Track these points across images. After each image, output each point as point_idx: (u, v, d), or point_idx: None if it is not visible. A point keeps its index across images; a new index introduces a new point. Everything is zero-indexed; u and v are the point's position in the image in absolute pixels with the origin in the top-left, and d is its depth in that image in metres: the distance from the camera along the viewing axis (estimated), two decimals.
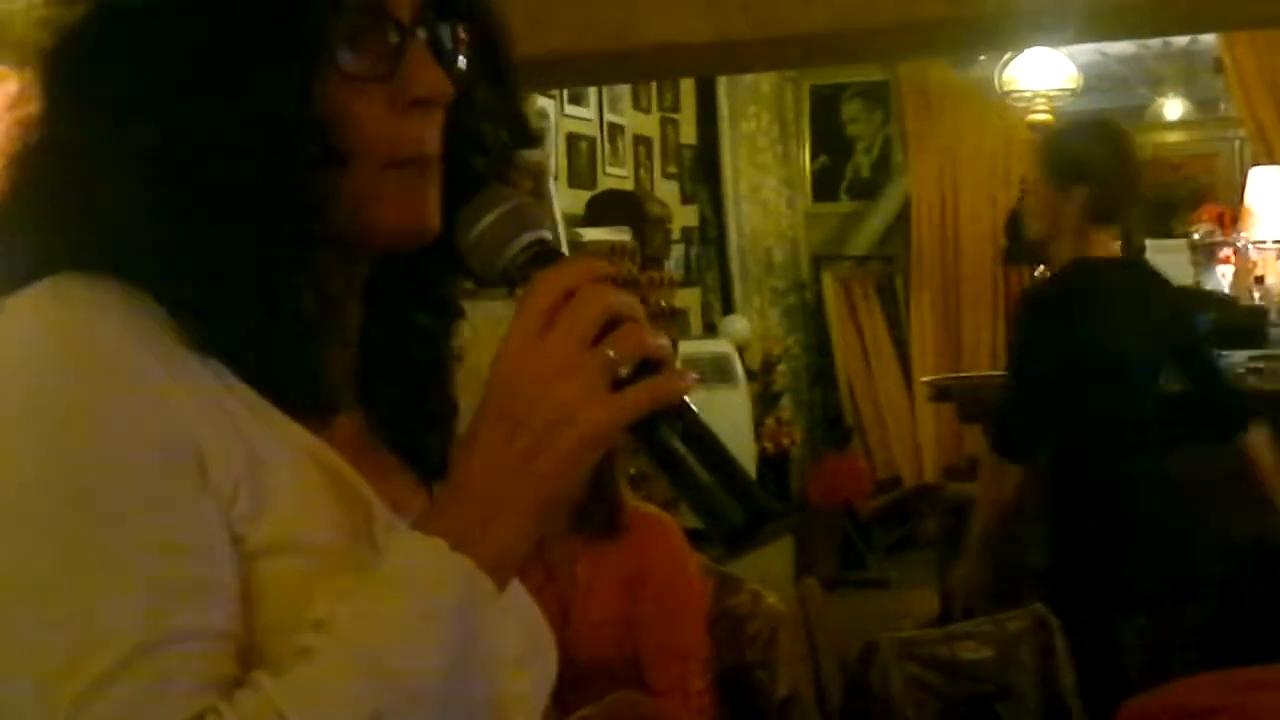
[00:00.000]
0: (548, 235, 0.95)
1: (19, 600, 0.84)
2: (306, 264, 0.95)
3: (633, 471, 3.33)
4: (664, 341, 0.91)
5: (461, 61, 1.01)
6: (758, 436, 6.97)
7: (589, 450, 0.89)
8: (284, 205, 0.92)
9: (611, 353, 0.88)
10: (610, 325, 0.89)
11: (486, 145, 1.03)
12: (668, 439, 0.90)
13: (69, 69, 0.95)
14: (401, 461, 1.05)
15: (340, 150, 0.93)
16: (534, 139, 1.10)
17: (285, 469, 0.92)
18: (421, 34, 0.97)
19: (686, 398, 0.91)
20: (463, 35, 1.01)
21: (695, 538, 2.90)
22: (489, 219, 0.95)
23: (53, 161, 0.95)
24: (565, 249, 5.57)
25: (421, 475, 1.06)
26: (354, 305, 1.02)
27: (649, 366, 0.89)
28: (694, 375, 0.92)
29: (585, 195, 6.35)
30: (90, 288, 0.91)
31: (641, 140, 7.11)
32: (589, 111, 6.56)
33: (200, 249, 0.91)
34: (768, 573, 5.64)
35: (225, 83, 0.91)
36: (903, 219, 8.55)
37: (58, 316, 0.89)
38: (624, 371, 0.88)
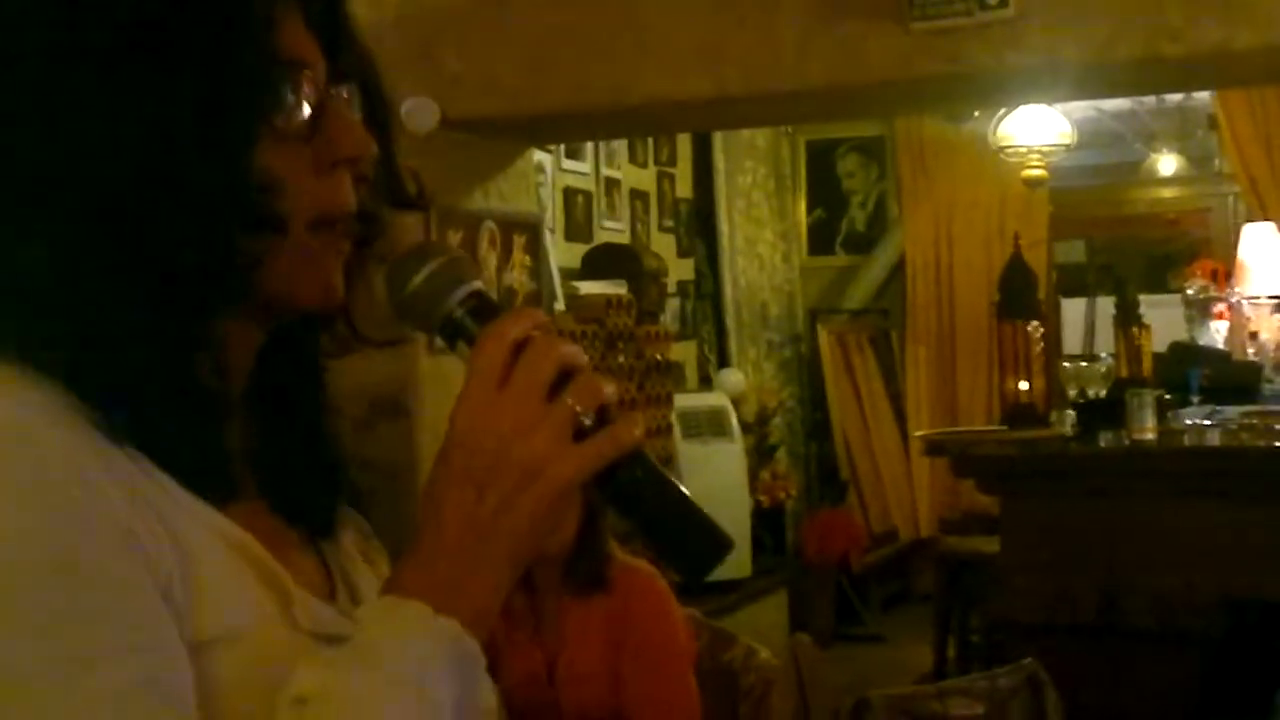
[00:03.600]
0: (482, 286, 0.96)
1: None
2: (215, 339, 0.92)
3: (625, 528, 3.33)
4: (613, 388, 0.92)
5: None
6: (753, 490, 6.96)
7: (558, 502, 0.89)
8: (217, 275, 0.89)
9: (574, 404, 0.89)
10: (563, 376, 0.90)
11: (365, 209, 1.01)
12: (627, 483, 0.91)
13: None
14: (286, 522, 1.01)
15: (275, 214, 0.91)
16: (412, 202, 1.06)
17: (208, 558, 0.88)
18: (342, 93, 0.96)
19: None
20: (358, 95, 0.99)
21: (684, 592, 2.90)
22: (423, 274, 0.94)
23: None
24: (561, 302, 5.59)
25: (308, 534, 1.03)
26: (244, 375, 0.99)
27: (604, 413, 0.91)
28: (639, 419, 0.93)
29: (582, 249, 6.37)
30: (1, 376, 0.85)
31: (638, 194, 7.14)
32: (586, 166, 6.60)
33: (119, 326, 0.87)
34: (761, 627, 5.62)
35: (158, 146, 0.87)
36: (898, 273, 8.58)
37: None
38: (587, 422, 0.89)
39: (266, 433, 1.01)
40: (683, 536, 0.92)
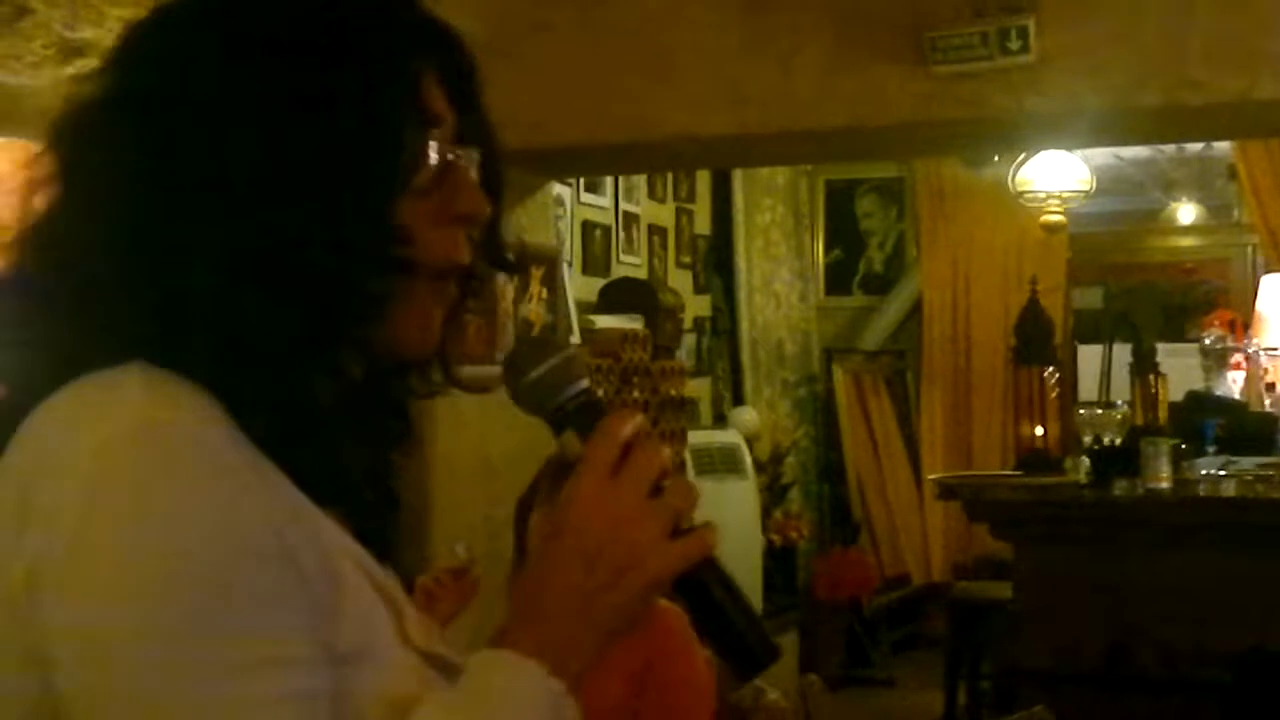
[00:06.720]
0: (588, 384, 1.08)
1: (151, 709, 0.85)
2: (337, 366, 1.00)
3: None
4: (695, 488, 1.02)
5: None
6: (765, 529, 6.94)
7: (652, 591, 0.99)
8: (348, 308, 0.97)
9: (675, 505, 1.00)
10: (661, 476, 1.00)
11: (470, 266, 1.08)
12: (702, 583, 1.01)
13: (134, 140, 0.96)
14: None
15: (408, 260, 0.99)
16: (511, 267, 1.15)
17: (345, 570, 0.94)
18: (465, 155, 1.04)
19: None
20: (479, 160, 1.07)
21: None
22: (545, 367, 1.06)
23: (91, 237, 0.95)
24: (577, 335, 5.60)
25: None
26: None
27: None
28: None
29: (599, 282, 6.38)
30: (164, 380, 0.91)
31: (656, 230, 7.15)
32: (605, 200, 6.61)
33: (262, 343, 0.94)
34: (771, 668, 5.59)
35: (312, 188, 0.95)
36: (915, 315, 8.58)
37: (157, 417, 0.90)
38: (685, 523, 1.00)
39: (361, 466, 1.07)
40: (743, 638, 1.03)
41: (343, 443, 0.99)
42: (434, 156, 1.01)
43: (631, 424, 1.01)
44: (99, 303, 0.94)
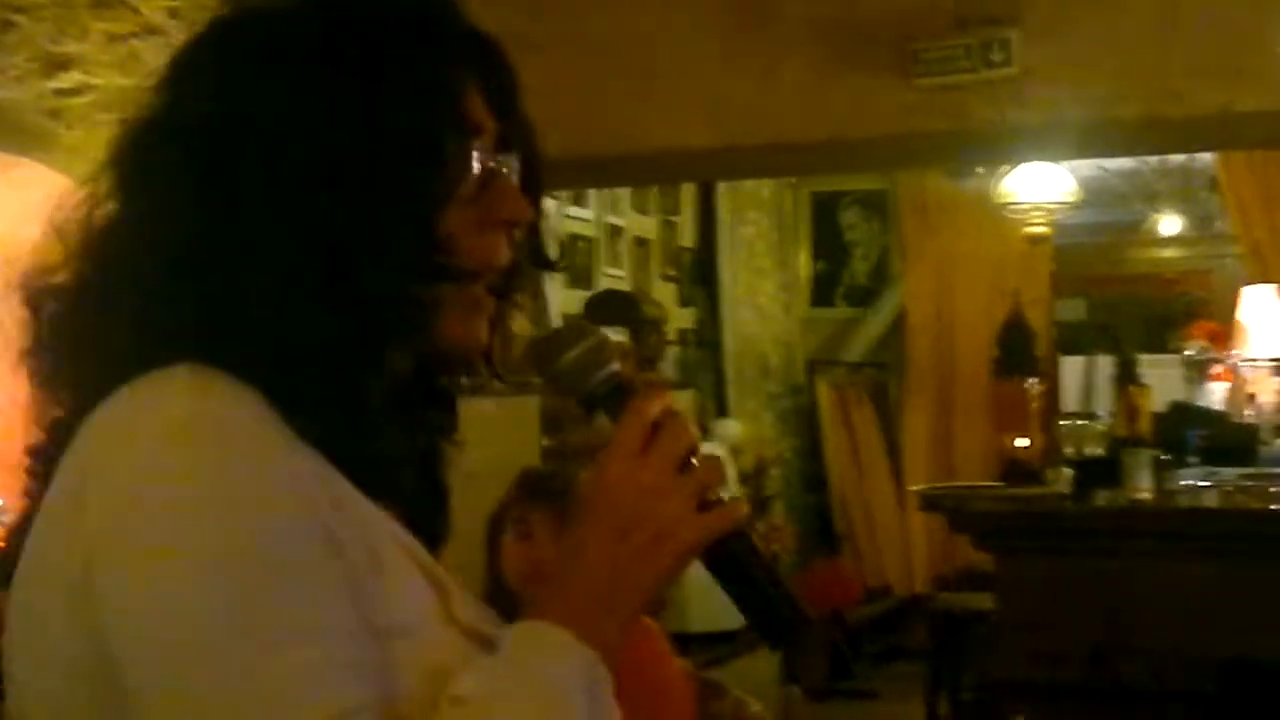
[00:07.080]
0: (619, 367, 1.10)
1: (202, 675, 0.90)
2: (386, 365, 1.04)
3: None
4: (722, 464, 1.07)
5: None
6: None
7: (682, 562, 1.02)
8: (399, 314, 1.01)
9: (704, 479, 1.03)
10: (690, 453, 1.04)
11: (511, 265, 1.12)
12: (732, 554, 1.04)
13: (191, 158, 1.00)
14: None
15: (453, 268, 1.03)
16: (551, 264, 1.21)
17: (388, 554, 0.99)
18: (508, 160, 1.09)
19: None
20: (520, 166, 1.11)
21: (680, 641, 2.88)
22: (577, 351, 1.09)
23: (151, 249, 1.00)
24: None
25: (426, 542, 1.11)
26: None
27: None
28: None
29: (583, 295, 6.38)
30: (212, 377, 0.96)
31: (640, 242, 7.16)
32: (589, 212, 6.62)
33: (315, 345, 0.98)
34: (753, 680, 5.59)
35: (364, 202, 1.00)
36: (898, 327, 8.59)
37: (205, 408, 0.95)
38: (713, 496, 1.03)
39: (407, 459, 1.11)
40: (774, 608, 1.05)
41: (390, 437, 1.04)
42: (477, 165, 1.05)
43: (660, 404, 1.05)
44: (155, 308, 0.99)
